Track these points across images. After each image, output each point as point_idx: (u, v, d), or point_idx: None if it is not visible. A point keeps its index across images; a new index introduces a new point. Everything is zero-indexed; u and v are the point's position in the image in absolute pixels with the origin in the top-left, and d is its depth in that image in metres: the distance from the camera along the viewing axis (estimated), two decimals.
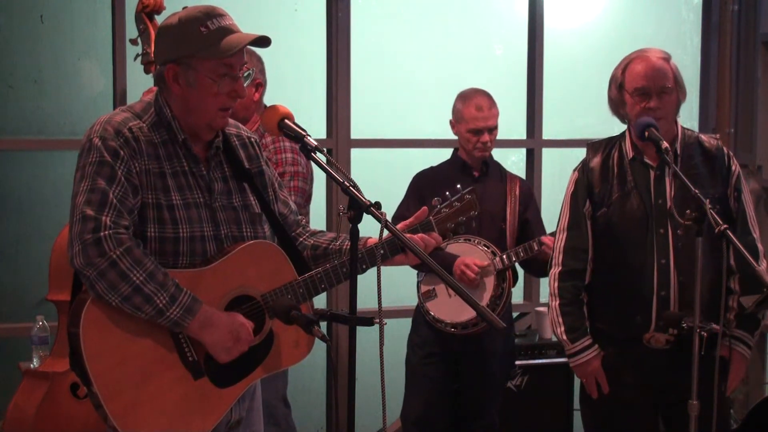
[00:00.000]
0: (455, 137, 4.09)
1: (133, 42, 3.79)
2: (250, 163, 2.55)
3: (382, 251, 2.43)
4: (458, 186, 2.62)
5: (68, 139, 4.45)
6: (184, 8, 2.40)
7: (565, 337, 3.32)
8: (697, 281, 2.83)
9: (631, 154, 3.30)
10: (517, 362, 4.40)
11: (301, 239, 2.64)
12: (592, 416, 3.44)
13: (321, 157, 2.31)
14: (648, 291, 3.19)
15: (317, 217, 4.31)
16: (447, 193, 2.59)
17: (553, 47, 5.14)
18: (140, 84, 3.97)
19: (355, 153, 4.77)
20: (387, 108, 5.12)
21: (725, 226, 2.81)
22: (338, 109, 4.73)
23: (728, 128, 5.22)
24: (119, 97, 4.29)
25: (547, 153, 5.13)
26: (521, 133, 5.12)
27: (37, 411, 3.50)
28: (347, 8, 4.70)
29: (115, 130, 2.33)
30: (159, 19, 3.69)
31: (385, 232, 2.23)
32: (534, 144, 5.08)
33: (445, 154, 4.20)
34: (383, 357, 2.20)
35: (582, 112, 5.35)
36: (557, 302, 3.33)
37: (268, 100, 3.46)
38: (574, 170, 3.40)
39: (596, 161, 3.34)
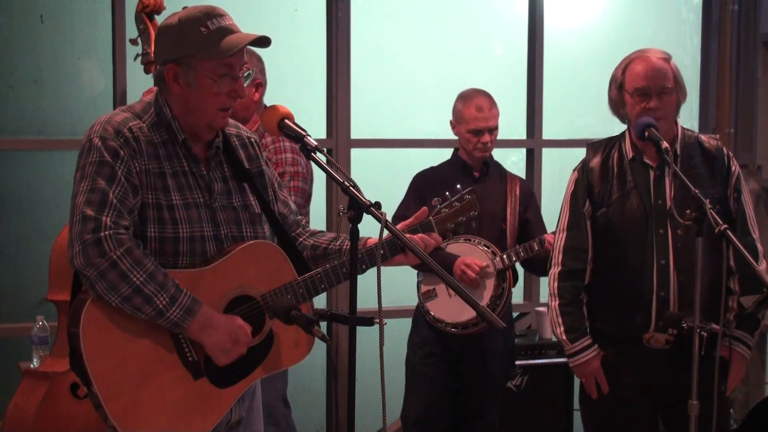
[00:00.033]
0: (455, 137, 4.09)
1: (133, 42, 3.79)
2: (249, 163, 2.55)
3: (381, 251, 2.43)
4: (458, 186, 2.62)
5: (68, 139, 4.45)
6: (184, 8, 2.40)
7: (564, 337, 3.32)
8: (697, 281, 2.83)
9: (630, 155, 3.30)
10: (517, 362, 4.40)
11: (300, 239, 2.64)
12: (591, 416, 3.44)
13: (321, 157, 2.31)
14: (647, 291, 3.19)
15: (317, 217, 4.31)
16: (447, 193, 2.59)
17: (553, 47, 5.14)
18: (140, 84, 3.97)
19: (355, 153, 4.77)
20: (387, 108, 5.12)
21: (725, 226, 2.81)
22: (338, 109, 4.73)
23: (728, 128, 5.22)
24: (119, 97, 4.29)
25: (547, 153, 5.13)
26: (521, 133, 5.12)
27: (37, 411, 3.50)
28: (347, 8, 4.70)
29: (115, 130, 2.33)
30: (159, 19, 3.69)
31: (385, 232, 2.23)
32: (534, 144, 5.08)
33: (445, 154, 4.20)
34: (383, 357, 2.20)
35: (582, 112, 5.35)
36: (557, 302, 3.33)
37: (268, 100, 3.46)
38: (574, 170, 3.40)
39: (596, 161, 3.34)
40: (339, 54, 4.70)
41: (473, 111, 3.96)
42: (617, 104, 3.31)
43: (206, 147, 2.47)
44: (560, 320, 3.32)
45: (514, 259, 3.91)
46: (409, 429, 4.09)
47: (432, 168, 4.14)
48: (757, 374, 5.15)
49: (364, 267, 2.47)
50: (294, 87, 4.78)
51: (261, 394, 2.63)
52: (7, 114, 4.54)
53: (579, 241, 3.33)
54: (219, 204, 2.44)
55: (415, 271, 4.01)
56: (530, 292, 5.12)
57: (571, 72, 5.32)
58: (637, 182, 3.26)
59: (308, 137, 2.33)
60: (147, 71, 3.71)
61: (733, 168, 3.29)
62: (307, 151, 2.32)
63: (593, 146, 3.40)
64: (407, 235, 2.37)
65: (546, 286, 3.44)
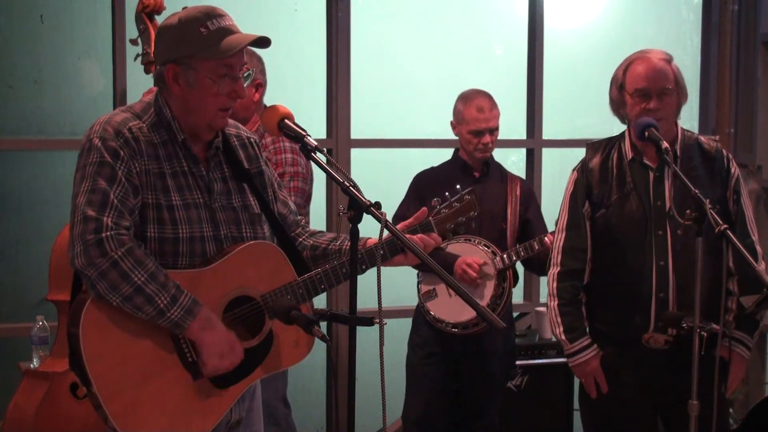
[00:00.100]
0: (455, 137, 4.09)
1: (133, 42, 3.79)
2: (249, 163, 2.55)
3: (381, 251, 2.43)
4: (458, 186, 2.62)
5: (68, 139, 4.45)
6: (184, 8, 2.40)
7: (563, 337, 3.32)
8: (697, 281, 2.83)
9: (630, 155, 3.30)
10: (517, 362, 4.40)
11: (300, 239, 2.64)
12: (591, 416, 3.44)
13: (321, 157, 2.31)
14: (647, 292, 3.19)
15: (317, 217, 4.31)
16: (447, 193, 2.59)
17: (553, 47, 5.14)
18: (140, 84, 3.97)
19: (355, 153, 4.77)
20: (387, 108, 5.12)
21: (725, 226, 2.81)
22: (338, 109, 4.73)
23: (728, 128, 5.22)
24: (119, 97, 4.29)
25: (547, 153, 5.13)
26: (521, 133, 5.12)
27: (37, 411, 3.50)
28: (347, 8, 4.70)
29: (115, 130, 2.33)
30: (159, 20, 3.69)
31: (385, 233, 2.23)
32: (534, 144, 5.08)
33: (445, 154, 4.20)
34: (383, 357, 2.20)
35: (582, 112, 5.35)
36: (556, 302, 3.33)
37: (268, 100, 3.46)
38: (573, 170, 3.40)
39: (595, 161, 3.34)
40: (339, 54, 4.71)
41: (474, 112, 3.96)
42: (618, 104, 3.31)
43: (206, 147, 2.47)
44: (559, 320, 3.32)
45: (514, 258, 3.91)
46: (409, 429, 4.09)
47: (432, 168, 4.14)
48: (757, 374, 5.15)
49: (363, 267, 2.47)
50: (294, 87, 4.78)
51: (261, 394, 2.63)
52: (7, 114, 4.54)
53: (578, 241, 3.33)
54: (219, 204, 2.44)
55: (415, 271, 4.01)
56: (530, 292, 5.12)
57: (571, 72, 5.32)
58: (636, 183, 3.26)
59: (308, 137, 2.33)
60: (147, 71, 3.71)
61: (732, 170, 3.29)
62: (307, 151, 2.32)
63: (593, 146, 3.40)
64: (407, 236, 2.37)
65: (546, 286, 3.44)
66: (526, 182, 4.21)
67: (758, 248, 3.25)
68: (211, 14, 2.36)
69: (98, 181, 2.27)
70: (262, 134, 3.35)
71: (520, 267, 4.12)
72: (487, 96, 4.02)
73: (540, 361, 4.54)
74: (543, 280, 4.68)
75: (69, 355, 2.33)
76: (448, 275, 2.27)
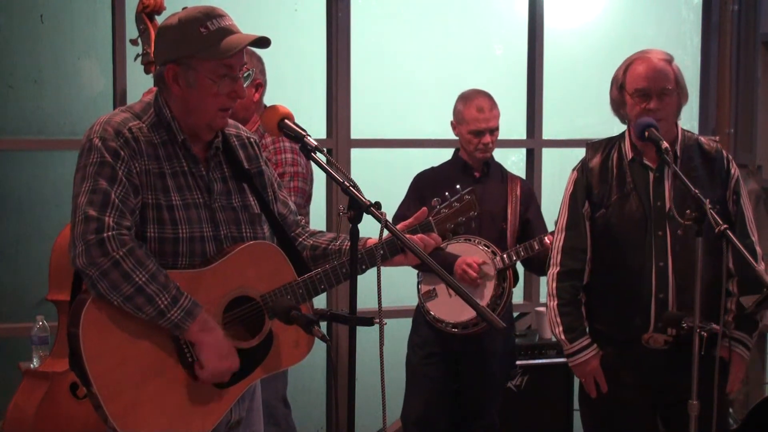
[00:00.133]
0: (456, 137, 4.09)
1: (133, 42, 3.79)
2: (249, 163, 2.55)
3: (381, 251, 2.43)
4: (458, 186, 2.62)
5: (68, 139, 4.45)
6: (184, 8, 2.40)
7: (563, 336, 3.32)
8: (697, 281, 2.82)
9: (630, 155, 3.30)
10: (517, 362, 4.40)
11: (300, 239, 2.64)
12: (591, 416, 3.44)
13: (321, 157, 2.31)
14: (646, 293, 3.19)
15: (317, 217, 4.31)
16: (447, 193, 2.59)
17: (553, 47, 5.14)
18: (140, 84, 3.97)
19: (355, 153, 4.77)
20: (387, 108, 5.12)
21: (725, 225, 2.81)
22: (338, 109, 4.73)
23: (728, 128, 5.22)
24: (119, 97, 4.29)
25: (547, 153, 5.13)
26: (521, 133, 5.12)
27: (36, 411, 3.50)
28: (347, 8, 4.70)
29: (115, 130, 2.33)
30: (159, 20, 3.69)
31: (385, 233, 2.23)
32: (534, 144, 5.08)
33: (445, 154, 4.20)
34: (383, 357, 2.20)
35: (582, 112, 5.35)
36: (555, 302, 3.33)
37: (268, 100, 3.46)
38: (573, 170, 3.40)
39: (595, 161, 3.34)
40: (339, 54, 4.71)
41: (474, 112, 3.96)
42: (618, 104, 3.31)
43: (206, 147, 2.47)
44: (559, 320, 3.32)
45: (514, 258, 3.91)
46: (409, 429, 4.09)
47: (432, 168, 4.14)
48: (757, 374, 5.15)
49: (363, 267, 2.47)
50: (294, 87, 4.78)
51: (261, 394, 2.63)
52: (7, 114, 4.54)
53: (578, 241, 3.33)
54: (218, 204, 2.44)
55: (415, 271, 4.01)
56: (530, 292, 5.12)
57: (571, 72, 5.32)
58: (636, 184, 3.26)
59: (308, 137, 2.33)
60: (147, 71, 3.71)
61: (732, 171, 3.29)
62: (307, 151, 2.32)
63: (593, 146, 3.40)
64: (407, 236, 2.37)
65: (546, 286, 3.44)
66: (526, 182, 4.21)
67: (758, 249, 3.25)
68: (211, 14, 2.36)
69: (99, 181, 2.27)
70: (262, 134, 3.35)
71: (520, 267, 4.12)
72: (487, 96, 4.02)
73: (540, 361, 4.54)
74: (543, 280, 4.67)
75: (69, 355, 2.33)
76: (448, 275, 2.27)
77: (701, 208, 2.82)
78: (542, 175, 5.09)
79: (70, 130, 4.54)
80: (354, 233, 2.22)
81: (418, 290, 4.02)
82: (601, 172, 3.31)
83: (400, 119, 5.12)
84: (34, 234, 4.55)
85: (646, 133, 3.08)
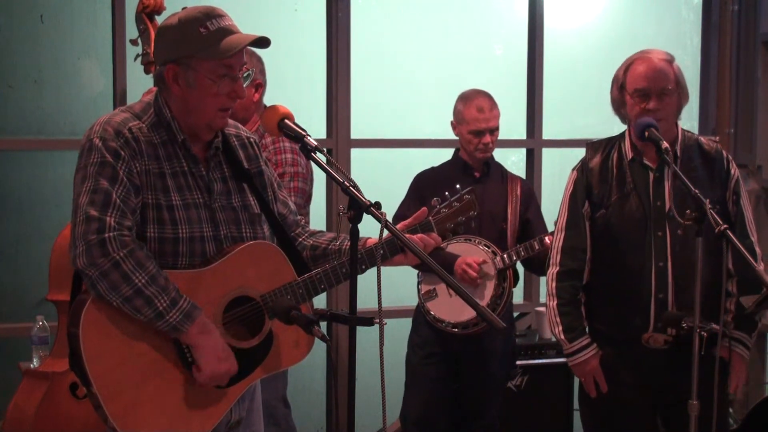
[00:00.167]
0: (456, 137, 4.09)
1: (133, 42, 3.79)
2: (249, 163, 2.55)
3: (381, 251, 2.43)
4: (458, 186, 2.62)
5: (68, 139, 4.45)
6: (183, 9, 2.40)
7: (563, 336, 3.32)
8: (697, 281, 2.82)
9: (630, 155, 3.30)
10: (517, 362, 4.40)
11: (300, 239, 2.64)
12: (591, 416, 3.44)
13: (321, 157, 2.31)
14: (646, 293, 3.19)
15: (317, 217, 4.31)
16: (446, 193, 2.59)
17: (553, 47, 5.14)
18: (140, 84, 3.97)
19: (355, 153, 4.77)
20: (387, 108, 5.12)
21: (725, 226, 2.81)
22: (338, 109, 4.73)
23: (728, 128, 5.22)
24: (119, 97, 4.29)
25: (547, 153, 5.13)
26: (521, 133, 5.12)
27: (36, 411, 3.50)
28: (347, 8, 4.70)
29: (115, 130, 2.33)
30: (159, 20, 3.69)
31: (385, 232, 2.23)
32: (534, 144, 5.08)
33: (445, 154, 4.20)
34: (383, 357, 2.20)
35: (582, 112, 5.35)
36: (555, 302, 3.33)
37: (268, 100, 3.46)
38: (573, 169, 3.40)
39: (595, 161, 3.34)
40: (339, 54, 4.71)
41: (474, 112, 3.96)
42: (618, 104, 3.31)
43: (206, 147, 2.47)
44: (558, 320, 3.32)
45: (514, 258, 3.91)
46: (409, 429, 4.09)
47: (433, 168, 4.14)
48: (757, 374, 5.15)
49: (363, 267, 2.47)
50: (294, 87, 4.78)
51: (261, 394, 2.63)
52: (7, 114, 4.54)
53: (577, 240, 3.33)
54: (218, 204, 2.44)
55: (415, 271, 4.01)
56: (530, 292, 5.12)
57: (571, 72, 5.32)
58: (636, 184, 3.26)
59: (308, 137, 2.33)
60: (147, 71, 3.71)
61: (732, 171, 3.29)
62: (307, 151, 2.31)
63: (593, 146, 3.40)
64: (407, 236, 2.37)
65: (546, 286, 3.44)
66: (526, 182, 4.21)
67: (757, 249, 3.25)
68: (211, 14, 2.36)
69: (100, 181, 2.27)
70: (262, 134, 3.35)
71: (520, 267, 4.12)
72: (487, 96, 4.03)
73: (540, 361, 4.54)
74: (543, 280, 4.68)
75: (69, 355, 2.33)
76: (448, 275, 2.26)
77: (701, 208, 2.82)
78: (542, 175, 5.09)
79: (70, 130, 4.54)
80: (354, 233, 2.22)
81: (418, 290, 4.02)
82: (601, 172, 3.31)
83: (400, 119, 5.12)
84: (34, 234, 4.55)
85: (646, 133, 3.08)
